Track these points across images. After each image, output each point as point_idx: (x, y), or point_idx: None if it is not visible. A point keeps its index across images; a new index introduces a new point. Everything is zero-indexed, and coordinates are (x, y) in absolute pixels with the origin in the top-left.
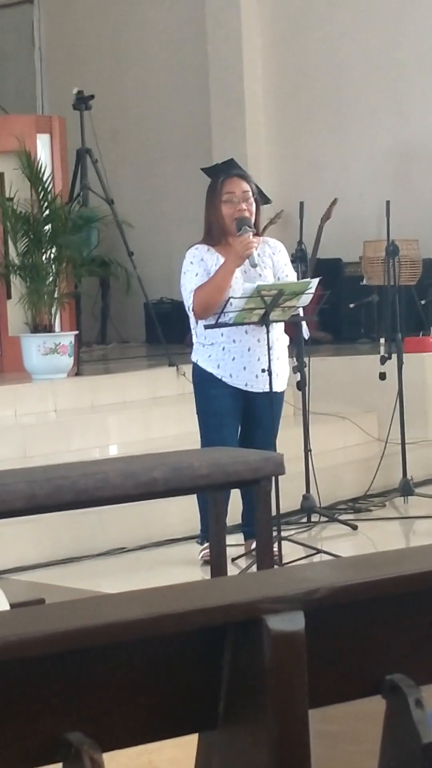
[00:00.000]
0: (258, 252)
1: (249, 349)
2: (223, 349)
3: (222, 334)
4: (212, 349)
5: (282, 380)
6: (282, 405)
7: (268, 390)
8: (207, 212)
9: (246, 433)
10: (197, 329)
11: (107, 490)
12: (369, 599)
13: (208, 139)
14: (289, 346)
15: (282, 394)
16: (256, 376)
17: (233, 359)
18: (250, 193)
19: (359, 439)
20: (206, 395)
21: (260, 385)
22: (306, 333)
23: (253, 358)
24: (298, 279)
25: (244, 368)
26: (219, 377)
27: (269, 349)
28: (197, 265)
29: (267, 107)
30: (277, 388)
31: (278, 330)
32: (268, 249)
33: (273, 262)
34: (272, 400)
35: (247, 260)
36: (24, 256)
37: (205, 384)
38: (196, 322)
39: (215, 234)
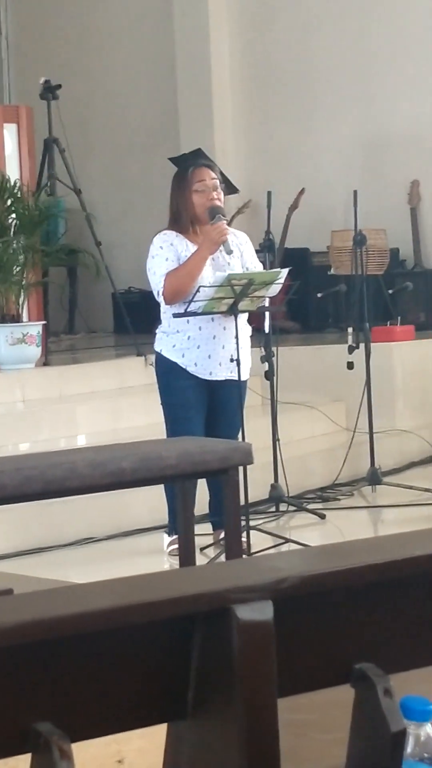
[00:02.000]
0: (231, 239)
1: (214, 337)
2: (189, 338)
3: (188, 321)
4: (177, 338)
5: (245, 369)
6: (246, 393)
7: (232, 378)
8: (175, 201)
9: (210, 422)
10: (165, 315)
11: (75, 480)
12: (338, 588)
13: (176, 129)
14: (253, 336)
15: (246, 382)
16: (220, 364)
17: (198, 347)
18: (218, 182)
19: (327, 429)
20: (171, 387)
21: (224, 374)
22: (267, 326)
23: (218, 346)
24: (266, 269)
25: (209, 356)
26: (183, 367)
27: (237, 339)
28: (167, 250)
29: (235, 97)
30: (242, 377)
31: (242, 319)
32: (235, 240)
33: (240, 252)
34: (236, 389)
35: (221, 247)
36: None
37: (169, 375)
38: (165, 308)
39: (183, 222)
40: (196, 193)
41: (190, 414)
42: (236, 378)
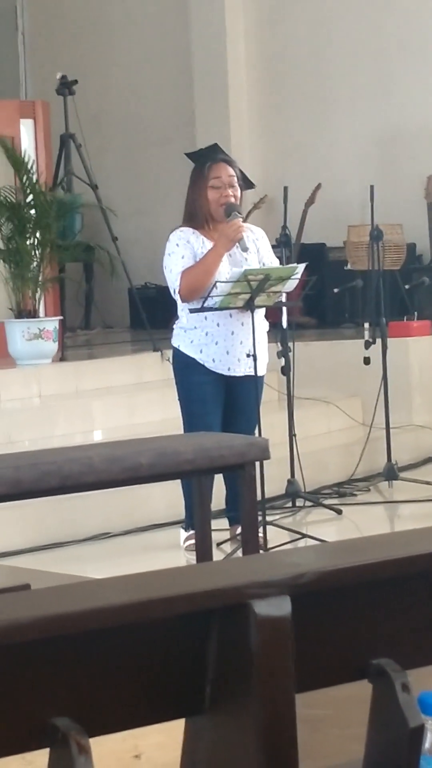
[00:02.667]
0: (247, 237)
1: (232, 333)
2: (207, 333)
3: (206, 318)
4: (194, 334)
5: (263, 364)
6: (263, 389)
7: (249, 374)
8: (191, 197)
9: (227, 418)
10: (182, 312)
11: (92, 476)
12: (355, 584)
13: (192, 124)
14: (270, 331)
15: (263, 378)
16: (239, 360)
17: (216, 343)
18: (236, 179)
19: (344, 424)
20: (189, 382)
21: (242, 370)
22: (284, 322)
23: (236, 342)
24: (282, 264)
25: (227, 352)
26: (201, 362)
27: (254, 334)
28: (183, 247)
29: (251, 92)
30: (259, 372)
31: (260, 314)
32: (251, 235)
33: (257, 247)
34: (254, 385)
35: (236, 244)
36: (8, 242)
37: (187, 370)
38: (182, 305)
39: (199, 218)
40: (211, 190)
41: (207, 409)
42: (255, 374)
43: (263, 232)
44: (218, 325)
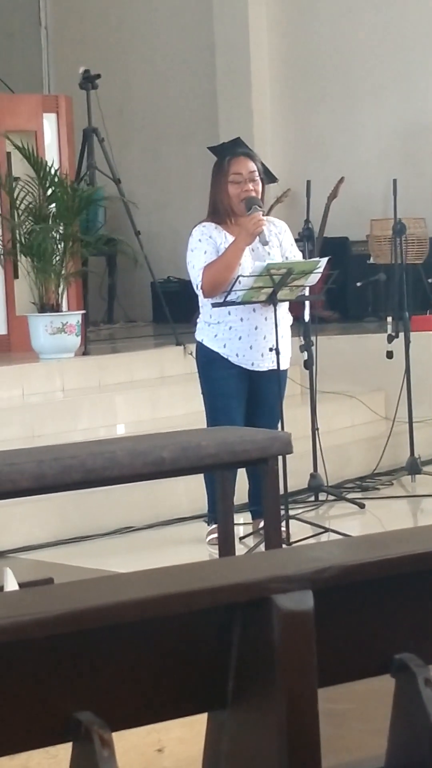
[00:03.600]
0: (267, 230)
1: (256, 328)
2: (230, 328)
3: (229, 313)
4: (218, 328)
5: (286, 358)
6: (286, 383)
7: (273, 368)
8: (213, 191)
9: (250, 412)
10: (205, 307)
11: (115, 470)
12: (378, 578)
13: (215, 118)
14: (294, 326)
15: (286, 372)
16: (262, 355)
17: (240, 338)
18: (257, 173)
19: (367, 418)
20: (212, 376)
21: (266, 364)
22: (307, 316)
23: (260, 337)
24: (305, 258)
25: (251, 347)
26: (225, 357)
27: (276, 328)
28: (206, 243)
29: (273, 86)
30: (282, 366)
31: (283, 309)
32: (274, 229)
33: (279, 241)
34: (276, 379)
35: (257, 238)
36: (30, 235)
37: (211, 364)
38: (204, 299)
39: (221, 213)
40: (231, 184)
41: (230, 403)
42: (279, 368)
43: (286, 226)
44: (242, 320)
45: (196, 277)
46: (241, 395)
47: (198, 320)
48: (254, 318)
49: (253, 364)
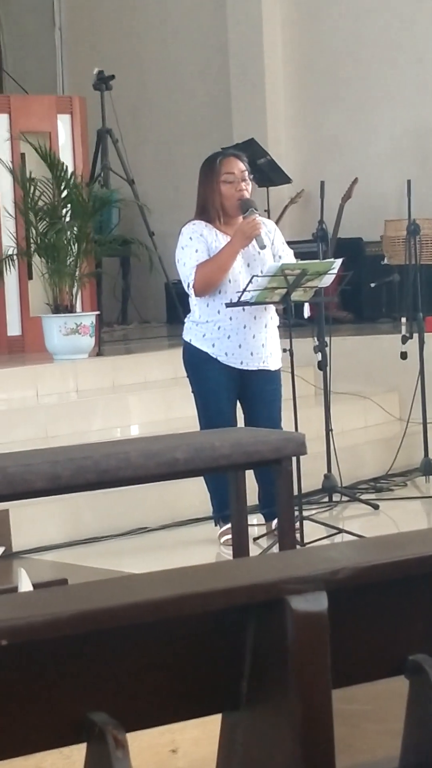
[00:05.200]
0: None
1: (245, 327)
2: (219, 327)
3: (218, 312)
4: (206, 328)
5: (276, 359)
6: (280, 384)
7: (263, 368)
8: (202, 191)
9: (249, 413)
10: (194, 307)
11: (129, 470)
12: (392, 579)
13: (229, 119)
14: (306, 326)
15: (277, 372)
16: (251, 354)
17: (228, 337)
18: (247, 173)
19: (380, 419)
20: (202, 376)
21: (256, 363)
22: (306, 312)
23: (248, 336)
24: (319, 259)
25: (240, 346)
26: (214, 356)
27: (290, 329)
28: (197, 241)
29: (287, 86)
30: (272, 367)
31: (270, 309)
32: (264, 228)
33: (271, 240)
34: (270, 378)
35: (254, 241)
36: (44, 236)
37: (200, 365)
38: (196, 298)
39: (211, 213)
40: (224, 184)
41: (220, 398)
42: (269, 368)
43: (275, 226)
44: (231, 318)
45: (187, 276)
46: (232, 394)
47: (186, 320)
48: (243, 317)
49: (242, 363)
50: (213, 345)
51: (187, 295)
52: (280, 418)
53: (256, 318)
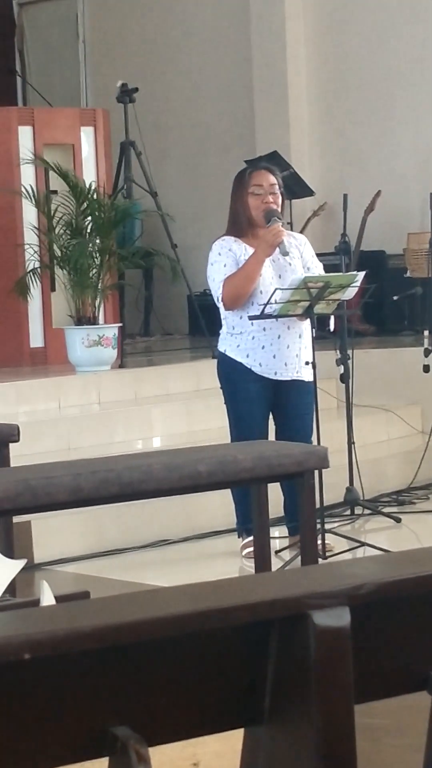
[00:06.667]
0: (287, 241)
1: (279, 337)
2: (253, 338)
3: (252, 324)
4: (241, 338)
5: (310, 370)
6: (316, 394)
7: (297, 378)
8: (233, 204)
9: (281, 424)
10: (227, 319)
11: (152, 483)
12: (415, 595)
13: (252, 132)
14: (329, 340)
15: (311, 384)
16: (286, 364)
17: (263, 348)
18: (277, 186)
19: (403, 432)
20: (235, 387)
21: (290, 374)
22: (332, 326)
23: (283, 346)
24: (342, 272)
25: (274, 356)
26: (248, 367)
27: (312, 341)
28: (225, 256)
29: (311, 99)
30: (306, 378)
31: (306, 321)
32: (294, 241)
33: (300, 252)
34: (304, 390)
35: (277, 250)
36: (67, 249)
37: (233, 375)
38: (226, 312)
39: (242, 225)
40: (252, 196)
41: (254, 413)
42: (303, 378)
43: (305, 239)
44: (264, 329)
45: (216, 290)
46: (264, 403)
47: (220, 331)
48: (277, 327)
49: (276, 374)
50: (247, 355)
51: (211, 308)
52: (312, 431)
53: (290, 328)
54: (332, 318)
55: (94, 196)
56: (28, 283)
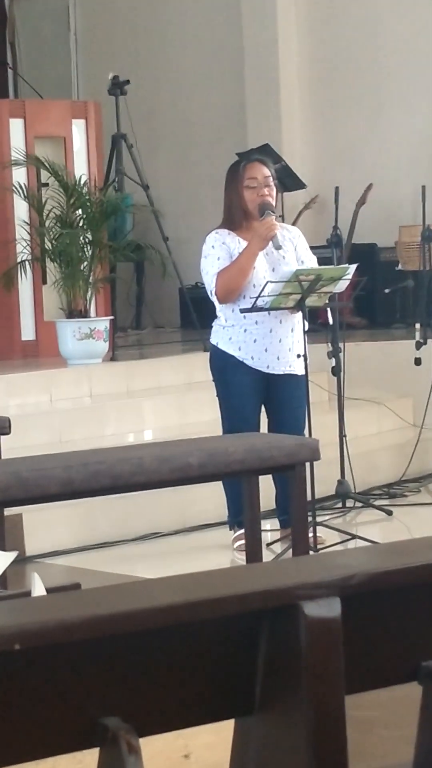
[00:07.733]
0: (281, 235)
1: (271, 330)
2: (245, 330)
3: (244, 316)
4: (233, 331)
5: (302, 363)
6: (308, 388)
7: (290, 372)
8: (228, 197)
9: (273, 417)
10: (221, 311)
11: (143, 475)
12: (406, 586)
13: (243, 124)
14: (320, 332)
15: (303, 377)
16: (278, 358)
17: (254, 341)
18: (271, 179)
19: (394, 425)
20: (227, 379)
21: (282, 367)
22: (330, 320)
23: (275, 340)
24: (333, 265)
25: (266, 350)
26: (240, 360)
27: (305, 334)
28: (219, 249)
29: (302, 91)
30: (298, 371)
31: (299, 314)
32: (288, 234)
33: (294, 245)
34: (296, 383)
35: (270, 243)
36: (58, 241)
37: (226, 368)
38: (220, 305)
39: (236, 218)
40: (247, 189)
41: (245, 402)
42: (296, 372)
43: (299, 231)
44: (257, 322)
45: (210, 284)
46: (257, 398)
47: (213, 324)
48: (269, 321)
49: (268, 367)
50: (239, 348)
51: (202, 301)
52: (304, 424)
53: (282, 322)
54: (329, 312)
55: (84, 190)
56: (15, 275)
